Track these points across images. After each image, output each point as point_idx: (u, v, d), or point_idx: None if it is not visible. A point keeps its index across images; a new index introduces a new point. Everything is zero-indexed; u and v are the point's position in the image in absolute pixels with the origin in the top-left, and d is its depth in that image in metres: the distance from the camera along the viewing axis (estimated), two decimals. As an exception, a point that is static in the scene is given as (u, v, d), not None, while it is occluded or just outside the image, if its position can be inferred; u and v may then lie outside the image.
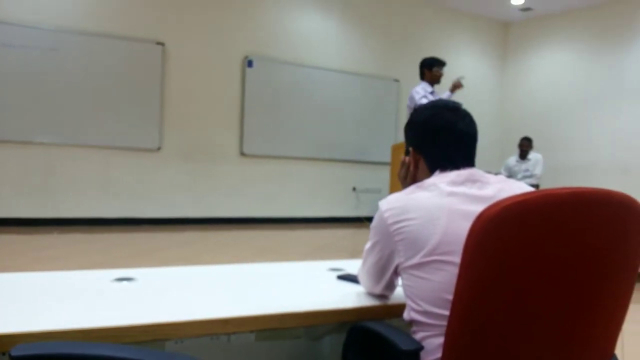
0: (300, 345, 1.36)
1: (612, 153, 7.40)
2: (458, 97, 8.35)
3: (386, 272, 1.24)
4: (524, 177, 6.93)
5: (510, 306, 0.95)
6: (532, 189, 1.09)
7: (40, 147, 5.71)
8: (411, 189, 1.20)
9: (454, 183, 1.14)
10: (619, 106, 7.38)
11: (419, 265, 1.09)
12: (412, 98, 4.97)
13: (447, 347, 0.99)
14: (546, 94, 8.24)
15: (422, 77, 5.07)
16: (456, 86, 5.10)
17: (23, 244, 4.72)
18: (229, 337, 1.24)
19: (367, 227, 4.96)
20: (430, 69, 5.03)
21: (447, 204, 1.09)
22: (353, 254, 4.92)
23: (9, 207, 5.60)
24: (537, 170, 7.02)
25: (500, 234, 0.92)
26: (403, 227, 1.12)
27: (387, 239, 1.16)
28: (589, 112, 7.52)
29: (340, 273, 1.68)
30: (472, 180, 1.15)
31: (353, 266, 1.80)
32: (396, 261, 1.16)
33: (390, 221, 1.14)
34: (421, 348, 1.06)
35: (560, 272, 0.96)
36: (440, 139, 1.23)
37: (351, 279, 1.61)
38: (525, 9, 8.10)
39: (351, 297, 1.40)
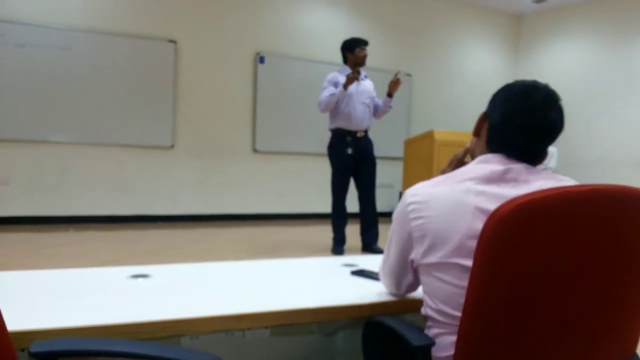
0: (314, 340, 1.36)
1: (626, 146, 7.29)
2: (471, 88, 8.32)
3: (408, 271, 1.20)
4: (538, 171, 6.86)
5: (524, 306, 0.93)
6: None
7: (54, 146, 5.77)
8: (440, 179, 1.14)
9: (487, 180, 1.07)
10: (633, 99, 7.27)
11: (437, 265, 1.06)
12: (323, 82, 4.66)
13: (459, 345, 0.98)
14: (559, 87, 7.88)
15: (345, 61, 4.69)
16: (396, 84, 4.58)
17: (38, 242, 4.79)
18: (244, 333, 1.25)
19: (380, 222, 4.92)
20: (352, 51, 4.62)
21: (474, 203, 1.03)
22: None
23: (24, 205, 5.68)
24: (552, 164, 6.95)
25: (514, 232, 0.89)
26: (424, 223, 1.08)
27: (407, 234, 1.13)
28: (603, 105, 7.41)
29: (353, 268, 1.68)
30: (506, 180, 1.07)
31: (366, 262, 1.80)
32: (412, 256, 1.13)
33: (412, 215, 1.10)
34: (432, 344, 1.05)
35: (578, 271, 0.93)
36: (512, 119, 1.12)
37: (365, 274, 1.61)
38: (538, 0, 8.01)
39: (365, 292, 1.41)
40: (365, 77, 4.77)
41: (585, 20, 7.88)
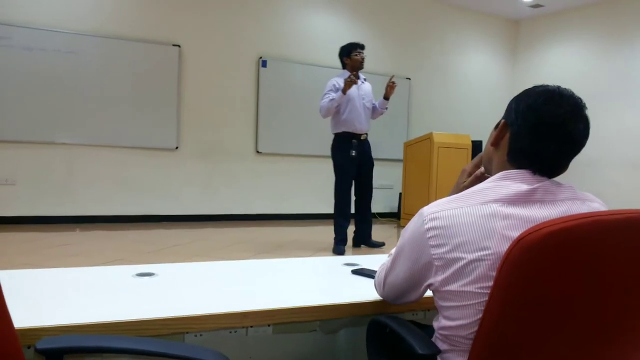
0: (316, 338, 1.38)
1: (622, 149, 7.30)
2: (469, 91, 8.33)
3: (416, 290, 1.13)
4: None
5: (543, 335, 0.88)
6: (604, 209, 1.00)
7: (61, 147, 5.81)
8: (460, 197, 1.04)
9: (512, 202, 0.98)
10: (629, 102, 7.28)
11: (458, 292, 0.98)
12: (324, 88, 4.72)
13: None
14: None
15: (344, 66, 4.77)
16: (392, 87, 4.73)
17: (44, 241, 4.82)
18: (247, 330, 1.27)
19: (380, 222, 4.97)
20: (349, 55, 4.66)
21: (500, 230, 0.95)
22: (367, 250, 4.93)
23: (32, 205, 5.73)
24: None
25: (540, 260, 0.85)
26: (447, 252, 0.99)
27: (426, 262, 1.04)
28: (599, 108, 7.38)
29: (354, 268, 1.70)
30: (532, 201, 0.99)
31: (367, 261, 1.82)
32: (430, 280, 1.05)
33: (433, 242, 1.01)
34: (438, 352, 1.03)
35: (604, 301, 0.88)
36: (540, 131, 1.03)
37: (365, 273, 1.62)
38: (535, 5, 8.00)
39: (366, 291, 1.42)
40: (365, 80, 4.85)
41: (582, 24, 7.89)
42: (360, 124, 4.69)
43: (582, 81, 7.73)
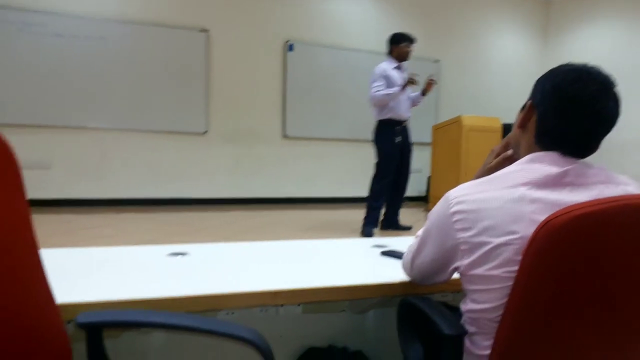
0: (344, 318, 1.39)
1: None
2: (499, 74, 8.14)
3: (443, 272, 1.13)
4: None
5: (569, 322, 0.88)
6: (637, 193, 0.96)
7: (94, 132, 5.95)
8: (487, 181, 1.02)
9: (542, 185, 0.96)
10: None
11: (484, 276, 0.98)
12: (372, 75, 4.76)
13: (495, 349, 0.96)
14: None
15: (390, 53, 4.85)
16: (429, 85, 4.85)
17: (80, 222, 4.97)
18: (277, 309, 1.29)
19: (408, 206, 4.96)
20: (398, 45, 4.80)
21: (529, 215, 0.93)
22: (395, 232, 4.93)
23: (66, 188, 5.90)
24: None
25: (566, 246, 0.83)
26: (473, 236, 0.98)
27: (452, 246, 1.04)
28: (634, 89, 7.11)
29: (384, 249, 1.70)
30: (563, 184, 0.96)
31: (396, 243, 1.82)
32: (457, 264, 1.05)
33: (459, 226, 1.00)
34: (465, 333, 1.03)
35: (636, 290, 0.87)
36: (568, 111, 1.00)
37: (395, 254, 1.63)
38: (570, -17, 7.74)
39: (395, 272, 1.42)
40: (406, 70, 4.96)
41: (614, 3, 7.58)
42: (405, 112, 4.85)
43: (615, 62, 7.46)
